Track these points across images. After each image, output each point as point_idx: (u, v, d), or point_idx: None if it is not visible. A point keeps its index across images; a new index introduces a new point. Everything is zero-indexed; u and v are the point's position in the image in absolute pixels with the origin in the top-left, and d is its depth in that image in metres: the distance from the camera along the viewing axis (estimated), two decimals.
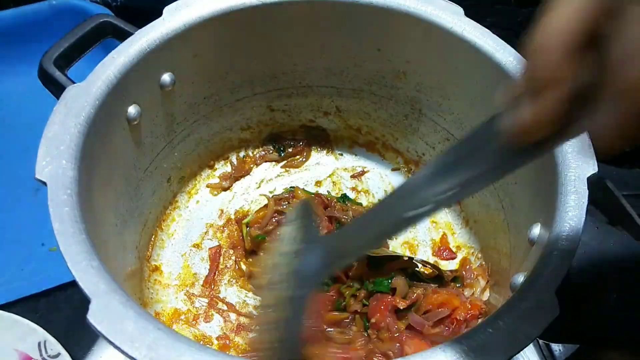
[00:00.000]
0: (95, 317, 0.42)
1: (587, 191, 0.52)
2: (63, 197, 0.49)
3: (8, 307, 0.76)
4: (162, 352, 0.41)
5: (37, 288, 0.79)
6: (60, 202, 0.49)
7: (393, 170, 0.87)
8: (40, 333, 0.71)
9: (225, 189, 0.84)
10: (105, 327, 0.42)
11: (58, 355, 0.70)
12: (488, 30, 0.64)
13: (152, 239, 0.77)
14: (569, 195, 0.52)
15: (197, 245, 0.78)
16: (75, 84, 0.58)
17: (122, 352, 0.41)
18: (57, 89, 0.62)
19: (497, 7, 0.98)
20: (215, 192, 0.84)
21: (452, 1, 0.67)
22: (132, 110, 0.62)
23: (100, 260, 0.47)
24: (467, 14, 0.66)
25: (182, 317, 0.71)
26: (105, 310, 0.43)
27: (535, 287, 0.46)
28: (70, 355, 0.70)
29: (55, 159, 0.51)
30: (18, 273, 0.81)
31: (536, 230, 0.56)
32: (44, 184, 0.50)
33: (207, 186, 0.84)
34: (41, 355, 0.71)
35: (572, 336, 0.61)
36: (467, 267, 0.74)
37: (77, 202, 0.49)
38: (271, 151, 0.87)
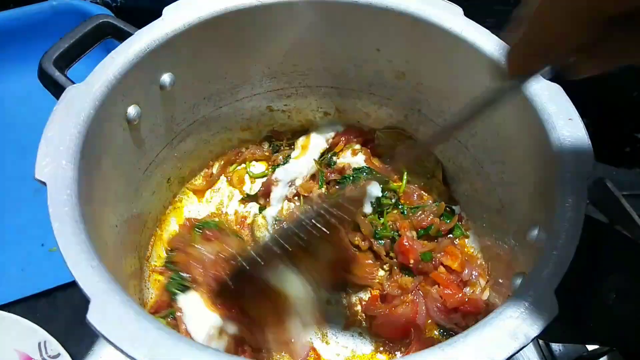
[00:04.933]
0: (95, 317, 0.42)
1: (586, 191, 0.52)
2: (63, 197, 0.49)
3: (8, 307, 0.76)
4: (162, 352, 0.41)
5: (37, 288, 0.79)
6: (60, 202, 0.49)
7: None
8: (41, 333, 0.71)
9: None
10: (105, 327, 0.42)
11: (58, 355, 0.70)
12: (487, 31, 0.64)
13: (152, 239, 0.77)
14: (569, 195, 0.52)
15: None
16: (75, 85, 0.58)
17: (122, 352, 0.41)
18: (56, 90, 0.62)
19: (497, 8, 0.97)
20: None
21: (452, 1, 0.67)
22: (131, 110, 0.62)
23: (100, 260, 0.47)
24: (467, 15, 0.66)
25: None
26: (105, 310, 0.43)
27: (535, 287, 0.46)
28: (70, 355, 0.70)
29: (55, 159, 0.51)
30: (18, 273, 0.82)
31: (536, 230, 0.56)
32: (44, 184, 0.50)
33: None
34: (41, 355, 0.71)
35: (572, 336, 0.61)
36: (472, 265, 0.75)
37: (77, 202, 0.49)
38: (265, 149, 0.88)
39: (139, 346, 0.41)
